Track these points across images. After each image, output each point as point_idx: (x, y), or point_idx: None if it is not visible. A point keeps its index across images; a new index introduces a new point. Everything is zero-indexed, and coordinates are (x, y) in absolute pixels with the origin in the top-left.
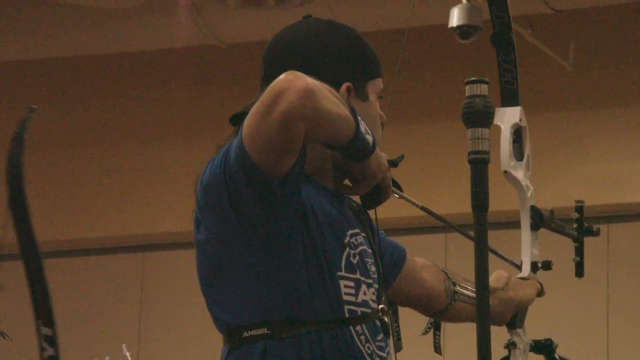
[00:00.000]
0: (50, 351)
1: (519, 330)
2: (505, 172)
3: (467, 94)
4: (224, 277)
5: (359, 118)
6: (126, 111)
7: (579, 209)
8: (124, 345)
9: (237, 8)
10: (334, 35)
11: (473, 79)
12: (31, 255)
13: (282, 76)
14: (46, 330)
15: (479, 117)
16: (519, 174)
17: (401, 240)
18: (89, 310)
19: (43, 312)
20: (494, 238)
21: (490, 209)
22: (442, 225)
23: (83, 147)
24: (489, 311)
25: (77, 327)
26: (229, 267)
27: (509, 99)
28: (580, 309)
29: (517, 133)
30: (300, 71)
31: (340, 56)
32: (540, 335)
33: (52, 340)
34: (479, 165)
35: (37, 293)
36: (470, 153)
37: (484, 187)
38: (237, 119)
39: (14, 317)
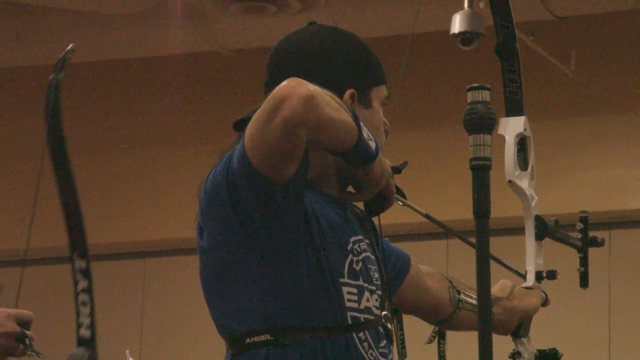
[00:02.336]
0: (84, 283)
1: (524, 340)
2: (510, 181)
3: (468, 100)
4: (227, 284)
5: (361, 124)
6: (127, 118)
7: (584, 219)
8: (127, 351)
9: (239, 15)
10: (338, 42)
11: (475, 85)
12: (67, 189)
13: (284, 83)
14: (80, 263)
15: (480, 123)
16: (524, 184)
17: (402, 247)
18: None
19: (78, 244)
20: (496, 244)
21: (493, 215)
22: (444, 231)
23: (84, 153)
24: (490, 317)
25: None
26: (232, 273)
27: (514, 109)
28: (582, 315)
29: (522, 142)
30: (304, 78)
31: (344, 63)
32: (541, 342)
33: (86, 273)
34: (481, 171)
35: (72, 226)
36: (472, 159)
37: (485, 194)
38: (240, 125)
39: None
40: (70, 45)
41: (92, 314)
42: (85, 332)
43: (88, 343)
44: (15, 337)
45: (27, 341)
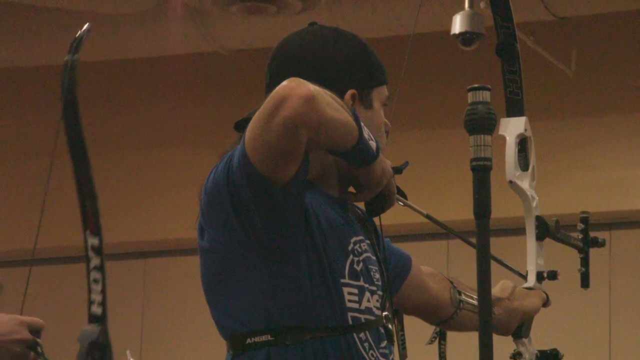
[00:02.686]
0: (96, 260)
1: (525, 340)
2: (511, 182)
3: (469, 100)
4: (227, 284)
5: (362, 124)
6: (128, 118)
7: (584, 219)
8: (128, 351)
9: (240, 15)
10: (340, 43)
11: (475, 85)
12: (82, 165)
13: (284, 83)
14: (93, 240)
15: (481, 123)
16: (525, 184)
17: (403, 247)
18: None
19: (91, 221)
20: (497, 245)
21: (494, 215)
22: (444, 232)
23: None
24: (491, 318)
25: (74, 334)
26: (233, 274)
27: (514, 109)
28: (582, 315)
29: (522, 143)
30: (305, 78)
31: (345, 64)
32: (541, 342)
33: (98, 250)
34: (481, 172)
35: (85, 202)
36: (472, 160)
37: (486, 194)
38: (241, 126)
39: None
40: (86, 25)
41: (103, 291)
42: (96, 310)
43: (99, 320)
44: (28, 345)
45: (39, 349)
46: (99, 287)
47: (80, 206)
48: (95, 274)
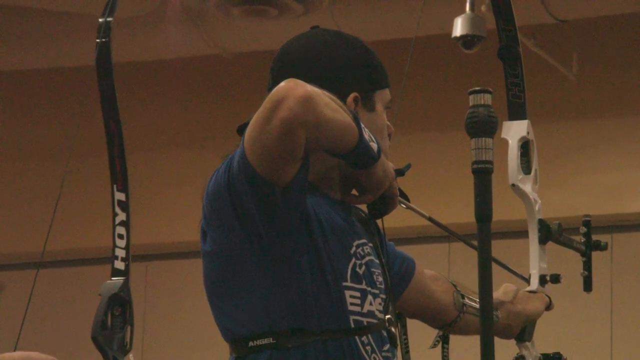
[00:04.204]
0: (122, 216)
1: (528, 344)
2: (513, 185)
3: (470, 103)
4: (230, 287)
5: (363, 125)
6: (129, 121)
7: (587, 223)
8: (130, 354)
9: (241, 18)
10: (342, 46)
11: (476, 88)
12: (114, 123)
13: (281, 84)
14: (119, 195)
15: (482, 126)
16: (527, 188)
17: (404, 250)
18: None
19: (119, 177)
20: (499, 247)
21: (496, 218)
22: (446, 234)
23: (87, 156)
24: (492, 321)
25: (81, 337)
26: (235, 277)
27: (517, 113)
28: (584, 318)
29: (525, 146)
30: (308, 81)
31: (347, 67)
32: (543, 345)
33: (124, 206)
34: (483, 175)
35: (114, 157)
36: (473, 163)
37: (487, 197)
38: (243, 129)
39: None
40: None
41: (127, 247)
42: (119, 264)
43: (122, 274)
44: None
45: None
46: (123, 243)
47: (109, 164)
48: (120, 229)
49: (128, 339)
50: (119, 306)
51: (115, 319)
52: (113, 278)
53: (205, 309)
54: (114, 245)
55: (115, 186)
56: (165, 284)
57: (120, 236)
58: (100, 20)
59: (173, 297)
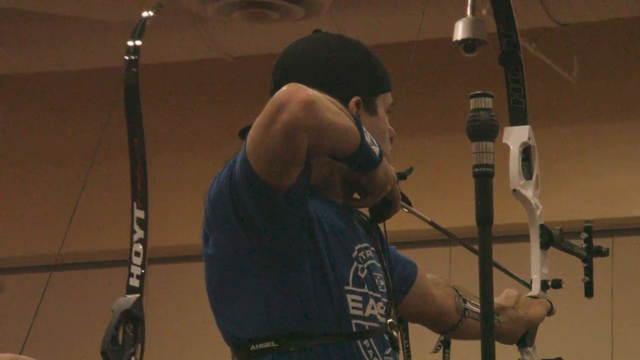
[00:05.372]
0: (140, 234)
1: (530, 349)
2: (515, 190)
3: (471, 107)
4: (232, 291)
5: (364, 129)
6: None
7: (588, 229)
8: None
9: (242, 22)
10: (344, 50)
11: (477, 92)
12: (138, 139)
13: (283, 88)
14: (139, 213)
15: (483, 130)
16: (528, 193)
17: (405, 254)
18: (94, 323)
19: (140, 195)
20: (500, 251)
21: (497, 222)
22: (447, 238)
23: (87, 160)
24: (493, 325)
25: (81, 340)
26: (237, 280)
27: (518, 118)
28: (585, 324)
29: (526, 152)
30: (310, 85)
31: (349, 70)
32: (544, 351)
33: (143, 224)
34: (484, 178)
35: (136, 175)
36: (474, 166)
37: (488, 201)
38: (246, 132)
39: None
40: (146, 13)
41: (143, 264)
42: (134, 282)
43: (136, 291)
44: None
45: None
46: (139, 260)
47: (131, 181)
48: (137, 247)
49: (138, 358)
50: (131, 323)
51: (127, 335)
52: (127, 295)
53: (207, 313)
54: (130, 262)
55: (135, 203)
56: (166, 287)
57: (137, 254)
58: (129, 43)
59: (173, 301)
